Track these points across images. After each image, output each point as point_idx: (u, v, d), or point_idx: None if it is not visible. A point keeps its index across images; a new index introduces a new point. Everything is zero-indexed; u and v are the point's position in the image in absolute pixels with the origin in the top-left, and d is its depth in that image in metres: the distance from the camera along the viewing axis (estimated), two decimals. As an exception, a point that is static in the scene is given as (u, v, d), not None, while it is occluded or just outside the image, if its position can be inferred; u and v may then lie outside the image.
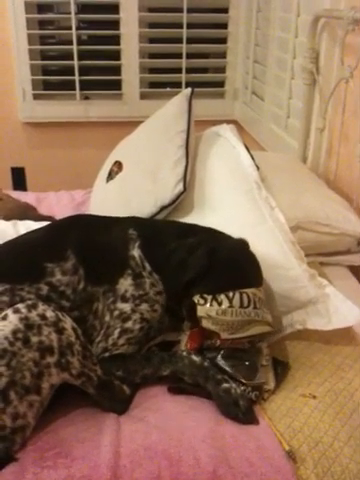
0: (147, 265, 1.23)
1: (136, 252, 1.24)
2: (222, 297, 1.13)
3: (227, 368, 1.10)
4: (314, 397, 1.09)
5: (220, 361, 1.11)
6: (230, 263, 1.18)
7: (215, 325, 1.11)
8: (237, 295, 1.13)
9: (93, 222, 1.35)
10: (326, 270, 1.56)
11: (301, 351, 1.23)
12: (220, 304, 1.12)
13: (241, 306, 1.12)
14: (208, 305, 1.12)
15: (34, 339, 0.98)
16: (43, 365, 0.98)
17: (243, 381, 1.08)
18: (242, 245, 1.25)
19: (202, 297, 1.13)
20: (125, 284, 1.20)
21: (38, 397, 0.98)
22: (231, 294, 1.13)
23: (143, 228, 1.29)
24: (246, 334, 1.12)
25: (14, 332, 0.97)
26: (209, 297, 1.13)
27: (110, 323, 1.18)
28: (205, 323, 1.11)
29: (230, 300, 1.12)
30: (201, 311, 1.12)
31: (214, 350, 1.12)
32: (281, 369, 1.17)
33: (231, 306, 1.12)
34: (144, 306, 1.19)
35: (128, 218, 1.36)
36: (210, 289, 1.14)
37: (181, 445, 0.96)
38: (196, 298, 1.13)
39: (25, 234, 1.36)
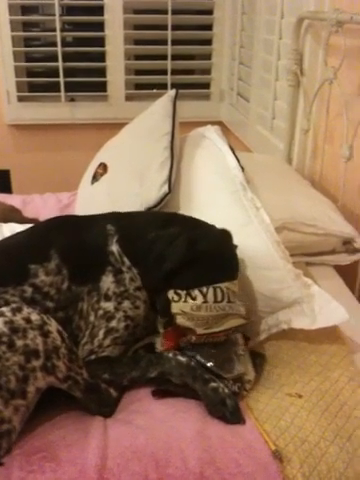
0: (126, 260, 1.22)
1: (114, 247, 1.23)
2: (196, 292, 1.13)
3: (207, 364, 1.10)
4: (300, 396, 1.09)
5: (199, 357, 1.11)
6: (210, 256, 1.17)
7: (190, 321, 1.11)
8: (211, 290, 1.13)
9: (75, 221, 1.34)
10: (312, 270, 1.57)
11: (287, 351, 1.24)
12: (194, 299, 1.12)
13: (215, 301, 1.13)
14: (182, 301, 1.12)
15: (19, 343, 0.97)
16: (28, 369, 0.97)
17: (223, 375, 1.09)
18: (223, 237, 1.24)
19: (176, 293, 1.13)
20: (107, 282, 1.20)
21: (24, 401, 0.97)
22: (205, 289, 1.13)
23: (121, 222, 1.28)
24: (221, 328, 1.12)
25: (-2, 336, 0.97)
26: (183, 293, 1.13)
27: (95, 323, 1.18)
28: (180, 319, 1.11)
29: (204, 295, 1.13)
30: (175, 308, 1.12)
31: (192, 349, 1.12)
32: (259, 360, 1.18)
33: (205, 301, 1.12)
34: (126, 303, 1.19)
35: (107, 214, 1.35)
36: (185, 284, 1.14)
37: (168, 447, 0.96)
38: (170, 294, 1.13)
39: (8, 237, 1.36)
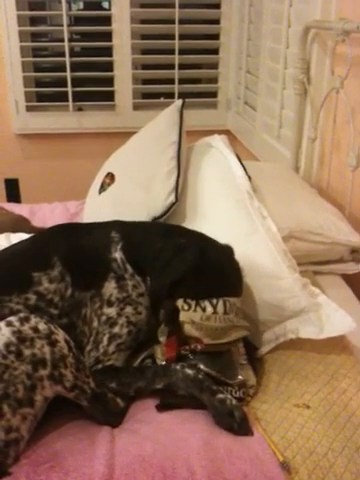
0: (129, 267, 1.23)
1: (118, 254, 1.24)
2: (206, 303, 1.14)
3: (211, 372, 1.10)
4: (308, 407, 1.09)
5: (202, 366, 1.11)
6: (217, 269, 1.19)
7: (198, 331, 1.12)
8: (221, 302, 1.14)
9: (77, 228, 1.35)
10: (319, 279, 1.57)
11: (295, 361, 1.23)
12: (204, 310, 1.13)
13: (225, 313, 1.13)
14: (192, 311, 1.13)
15: (27, 352, 0.98)
16: (36, 378, 0.98)
17: (228, 381, 1.09)
18: (229, 251, 1.26)
19: (186, 302, 1.14)
20: (109, 287, 1.21)
21: (31, 410, 0.98)
22: (215, 301, 1.14)
23: (126, 230, 1.29)
24: (228, 340, 1.13)
25: (7, 345, 0.97)
26: (193, 302, 1.14)
27: (98, 329, 1.19)
28: (188, 328, 1.12)
29: (214, 306, 1.13)
30: (184, 316, 1.13)
31: (194, 357, 1.12)
32: (258, 365, 1.19)
33: (215, 312, 1.13)
34: (128, 309, 1.20)
35: (111, 222, 1.36)
36: (195, 294, 1.14)
37: (175, 457, 0.96)
38: (179, 303, 1.14)
39: (10, 246, 1.37)
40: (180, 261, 1.18)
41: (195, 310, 1.13)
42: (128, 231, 1.29)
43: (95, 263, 1.23)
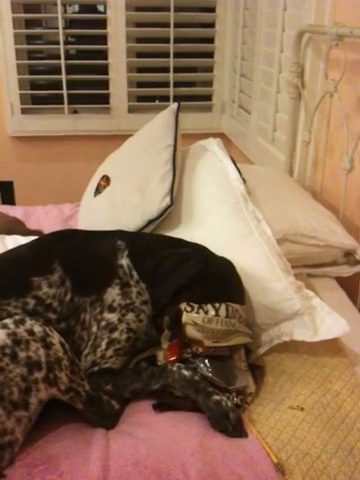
0: (135, 274, 1.24)
1: (124, 261, 1.25)
2: (209, 306, 1.15)
3: (209, 375, 1.10)
4: (302, 409, 1.09)
5: (202, 369, 1.11)
6: (220, 277, 1.20)
7: (200, 332, 1.13)
8: (223, 306, 1.15)
9: (79, 235, 1.36)
10: (313, 282, 1.57)
11: (289, 363, 1.23)
12: (206, 312, 1.14)
13: (227, 316, 1.15)
14: (194, 312, 1.14)
15: (22, 354, 0.98)
16: (31, 380, 0.98)
17: (227, 387, 1.09)
18: (230, 263, 1.27)
19: (189, 305, 1.15)
20: (113, 293, 1.21)
21: (26, 413, 0.98)
22: (218, 305, 1.15)
23: (131, 239, 1.31)
24: (229, 344, 1.14)
25: (2, 348, 0.97)
26: (196, 305, 1.15)
27: (97, 334, 1.19)
28: (190, 330, 1.13)
29: (216, 310, 1.15)
30: (187, 318, 1.13)
31: (195, 360, 1.13)
32: (258, 372, 1.19)
33: (217, 315, 1.14)
34: (130, 316, 1.20)
35: (115, 231, 1.38)
36: (198, 298, 1.15)
37: (170, 459, 0.96)
38: (183, 305, 1.15)
39: (10, 250, 1.37)
40: (184, 269, 1.19)
41: (198, 312, 1.14)
42: (134, 240, 1.32)
43: (99, 268, 1.24)
